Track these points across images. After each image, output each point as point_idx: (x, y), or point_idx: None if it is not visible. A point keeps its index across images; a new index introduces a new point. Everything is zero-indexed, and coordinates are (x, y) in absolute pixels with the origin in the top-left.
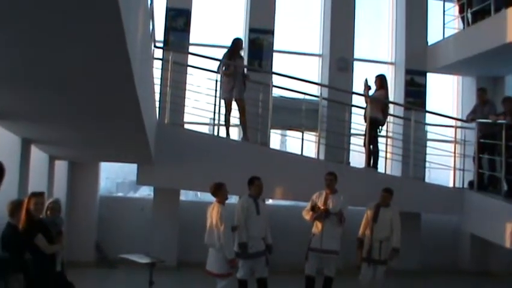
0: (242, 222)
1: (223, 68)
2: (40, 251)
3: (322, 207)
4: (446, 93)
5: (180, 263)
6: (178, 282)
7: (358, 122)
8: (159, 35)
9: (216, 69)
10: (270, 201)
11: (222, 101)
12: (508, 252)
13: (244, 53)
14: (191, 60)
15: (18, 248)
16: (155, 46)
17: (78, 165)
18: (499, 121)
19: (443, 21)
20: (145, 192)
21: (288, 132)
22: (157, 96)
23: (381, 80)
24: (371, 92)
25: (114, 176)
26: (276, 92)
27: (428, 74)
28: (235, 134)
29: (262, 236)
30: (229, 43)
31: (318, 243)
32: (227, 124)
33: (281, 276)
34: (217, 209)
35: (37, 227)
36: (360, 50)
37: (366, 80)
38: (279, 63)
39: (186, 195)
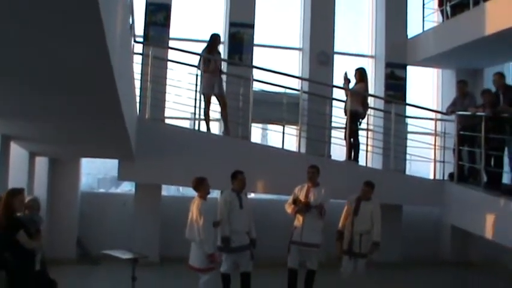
0: (225, 216)
1: (204, 63)
2: (19, 250)
3: (303, 201)
4: (426, 86)
5: (162, 258)
6: (161, 277)
7: (338, 116)
8: (139, 29)
9: (196, 65)
10: (252, 195)
11: (202, 96)
12: (488, 243)
13: (224, 47)
14: (171, 54)
15: None
16: (135, 41)
17: (58, 162)
18: (479, 113)
19: (422, 15)
20: (127, 187)
21: (269, 126)
22: (137, 92)
23: (361, 73)
24: (351, 85)
25: (96, 172)
26: (256, 86)
27: (408, 67)
28: (216, 128)
29: (246, 230)
30: (209, 37)
31: (299, 237)
32: (207, 119)
33: (264, 270)
34: (198, 203)
35: (17, 224)
36: (340, 43)
37: (346, 74)
38: (259, 57)
39: (167, 190)
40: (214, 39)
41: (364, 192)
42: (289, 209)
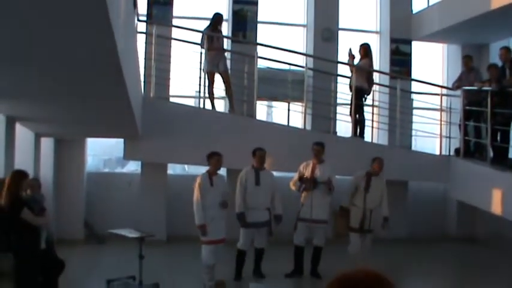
0: (239, 193)
1: (207, 41)
2: (25, 230)
3: (309, 177)
4: (431, 62)
5: (169, 236)
6: (168, 255)
7: (343, 92)
8: (142, 8)
9: (199, 43)
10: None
11: (206, 74)
12: (494, 218)
13: (228, 24)
14: (175, 33)
15: (3, 227)
16: (138, 20)
17: (64, 142)
18: (485, 88)
19: None
20: (133, 167)
21: (274, 103)
22: (142, 71)
23: (365, 49)
24: (356, 62)
25: (101, 153)
26: (261, 63)
27: (413, 43)
28: (220, 106)
29: (265, 206)
30: (212, 16)
31: (307, 213)
32: (211, 96)
33: (270, 247)
34: (200, 178)
35: (20, 204)
36: (344, 19)
37: (350, 50)
38: (263, 34)
39: (173, 169)
40: (217, 18)
41: (375, 168)
42: (293, 186)
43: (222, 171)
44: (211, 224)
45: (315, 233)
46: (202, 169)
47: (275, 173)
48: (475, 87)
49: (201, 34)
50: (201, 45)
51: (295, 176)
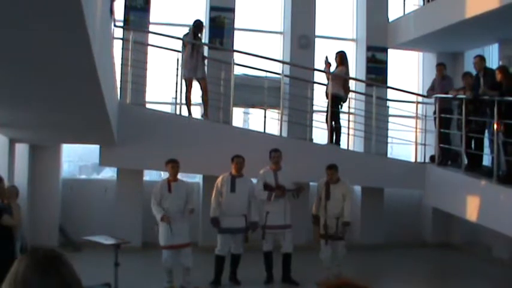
0: (213, 199)
1: (187, 48)
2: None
3: (278, 186)
4: (407, 69)
5: (145, 243)
6: (143, 262)
7: (320, 99)
8: (119, 14)
9: (180, 50)
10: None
11: (183, 80)
12: (469, 225)
13: (205, 31)
14: (152, 39)
15: None
16: (115, 25)
17: (39, 148)
18: (459, 96)
19: None
20: (109, 173)
21: (251, 110)
22: (118, 76)
23: (341, 56)
24: (332, 69)
25: (77, 159)
26: (237, 70)
27: (389, 50)
28: (197, 112)
29: (241, 213)
30: (190, 22)
31: (277, 220)
32: (188, 103)
33: (246, 254)
34: (158, 184)
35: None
36: (321, 27)
37: (327, 58)
38: (240, 41)
39: (149, 175)
40: (197, 25)
41: (330, 176)
42: (263, 196)
43: (199, 178)
44: (169, 230)
45: (284, 239)
46: (178, 175)
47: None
48: (449, 95)
49: (179, 40)
50: (182, 52)
51: (260, 184)
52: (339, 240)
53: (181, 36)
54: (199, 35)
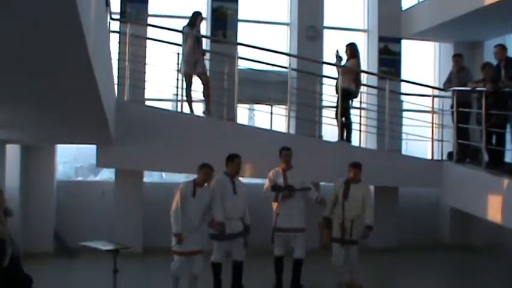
0: (218, 201)
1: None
2: None
3: (286, 186)
4: (422, 61)
5: (145, 249)
6: (144, 269)
7: (329, 94)
8: (116, 6)
9: (181, 43)
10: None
11: (184, 76)
12: (490, 226)
13: (207, 23)
14: (150, 32)
15: None
16: (111, 18)
17: (32, 149)
18: (479, 88)
19: None
20: (106, 175)
21: (256, 106)
22: (115, 72)
23: (352, 48)
24: (342, 63)
25: (72, 160)
26: (242, 64)
27: (403, 41)
28: (199, 109)
29: (240, 216)
30: (190, 13)
31: (286, 223)
32: (190, 99)
33: (249, 258)
34: (183, 185)
35: None
36: (330, 17)
37: (337, 51)
38: (244, 33)
39: (150, 177)
40: (195, 17)
41: (352, 175)
42: (270, 197)
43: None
44: (187, 236)
45: (295, 243)
46: (180, 177)
47: (256, 180)
48: (467, 88)
49: (179, 33)
50: (183, 46)
51: (266, 184)
52: (353, 245)
53: (181, 29)
54: (199, 27)
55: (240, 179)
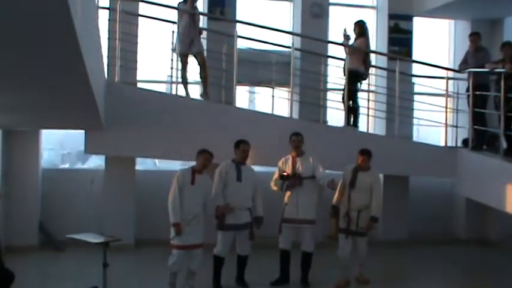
0: (219, 190)
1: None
2: None
3: (291, 173)
4: (436, 40)
5: (138, 241)
6: (136, 262)
7: (335, 75)
8: None
9: (176, 21)
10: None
11: (178, 56)
12: (507, 218)
13: None
14: (143, 9)
15: None
16: None
17: (14, 134)
18: (497, 70)
19: None
20: (96, 162)
21: (257, 89)
22: (105, 52)
23: (361, 26)
24: (350, 42)
25: (59, 147)
26: (241, 43)
27: (415, 19)
28: (196, 92)
29: (246, 206)
30: None
31: (292, 213)
32: (185, 81)
33: (252, 252)
34: (180, 172)
35: None
36: None
37: (345, 30)
38: (244, 10)
39: (142, 164)
40: None
41: (360, 162)
42: (275, 186)
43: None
44: (185, 228)
45: (303, 236)
46: (175, 164)
47: (257, 168)
48: (485, 69)
49: (174, 10)
50: (178, 23)
51: (275, 173)
52: (360, 237)
53: (177, 5)
54: (194, 3)
55: (252, 167)
